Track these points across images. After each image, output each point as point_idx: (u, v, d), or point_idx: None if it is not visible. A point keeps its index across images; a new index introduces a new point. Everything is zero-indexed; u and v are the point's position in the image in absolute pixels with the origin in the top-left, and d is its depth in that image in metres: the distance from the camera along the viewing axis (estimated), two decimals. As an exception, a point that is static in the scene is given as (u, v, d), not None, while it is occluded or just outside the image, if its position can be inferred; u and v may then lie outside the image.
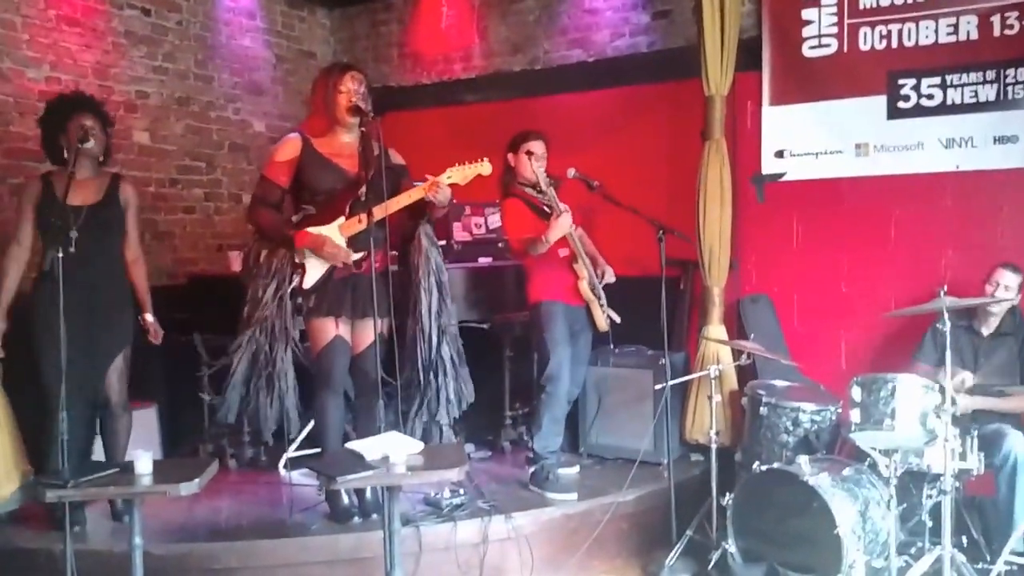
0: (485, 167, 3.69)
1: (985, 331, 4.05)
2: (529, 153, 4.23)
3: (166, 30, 5.58)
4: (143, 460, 2.96)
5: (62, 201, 3.51)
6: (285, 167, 3.73)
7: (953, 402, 3.46)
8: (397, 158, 3.91)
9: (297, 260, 3.71)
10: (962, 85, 4.65)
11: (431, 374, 3.84)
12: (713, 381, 4.04)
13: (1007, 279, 3.96)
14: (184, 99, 5.71)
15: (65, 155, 3.78)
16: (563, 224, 4.08)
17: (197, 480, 2.91)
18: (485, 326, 4.91)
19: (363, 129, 3.62)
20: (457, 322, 3.96)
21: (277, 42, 6.37)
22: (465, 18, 6.21)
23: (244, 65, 6.11)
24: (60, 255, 3.21)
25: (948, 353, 3.40)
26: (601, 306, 4.29)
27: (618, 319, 4.33)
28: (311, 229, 3.67)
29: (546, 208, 4.21)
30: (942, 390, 3.42)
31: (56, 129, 3.81)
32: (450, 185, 3.64)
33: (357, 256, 3.63)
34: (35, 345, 3.74)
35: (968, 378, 3.83)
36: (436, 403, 3.86)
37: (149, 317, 4.00)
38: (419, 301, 3.80)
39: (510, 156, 4.31)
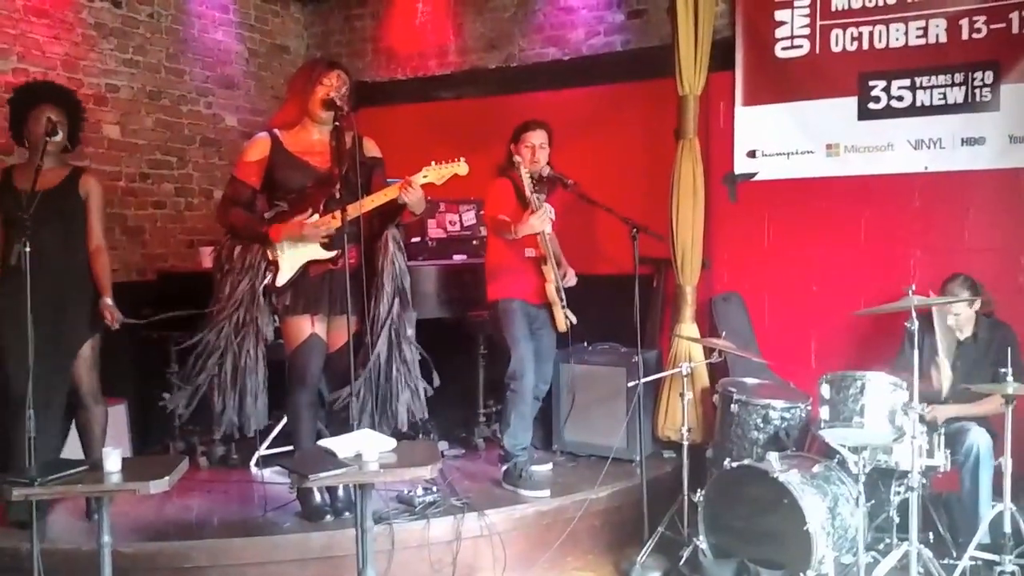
0: (461, 167, 3.65)
1: (960, 336, 4.10)
2: (529, 147, 4.27)
3: (137, 22, 5.50)
4: (112, 458, 2.93)
5: (19, 190, 3.50)
6: (255, 167, 3.71)
7: (923, 404, 3.51)
8: (373, 150, 3.88)
9: (270, 256, 3.68)
10: (931, 87, 4.72)
11: (379, 380, 3.77)
12: (685, 379, 4.07)
13: (955, 308, 3.99)
14: (155, 93, 5.64)
15: (26, 143, 3.77)
16: (533, 223, 4.08)
17: (167, 478, 2.88)
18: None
19: (337, 124, 3.60)
20: (415, 331, 3.88)
21: (250, 36, 6.31)
22: (440, 14, 6.20)
23: (216, 59, 6.05)
24: (27, 249, 3.16)
25: (916, 352, 3.44)
26: (562, 308, 4.30)
27: (575, 321, 4.33)
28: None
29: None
30: (911, 388, 3.46)
31: (20, 116, 3.78)
32: (426, 184, 3.62)
33: (331, 254, 3.60)
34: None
35: (946, 369, 3.88)
36: (383, 411, 3.79)
37: (108, 300, 3.85)
38: (378, 304, 3.76)
39: (512, 148, 4.32)
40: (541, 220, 4.09)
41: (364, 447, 2.97)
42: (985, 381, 3.86)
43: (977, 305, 4.04)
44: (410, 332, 3.84)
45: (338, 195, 3.55)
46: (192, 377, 3.70)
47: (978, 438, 3.79)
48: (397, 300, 3.78)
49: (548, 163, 4.31)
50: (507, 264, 4.30)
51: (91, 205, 3.90)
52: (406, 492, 3.93)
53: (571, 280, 4.38)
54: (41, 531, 3.65)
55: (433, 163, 3.63)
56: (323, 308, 3.72)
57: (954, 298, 3.97)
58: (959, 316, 4.03)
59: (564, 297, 4.31)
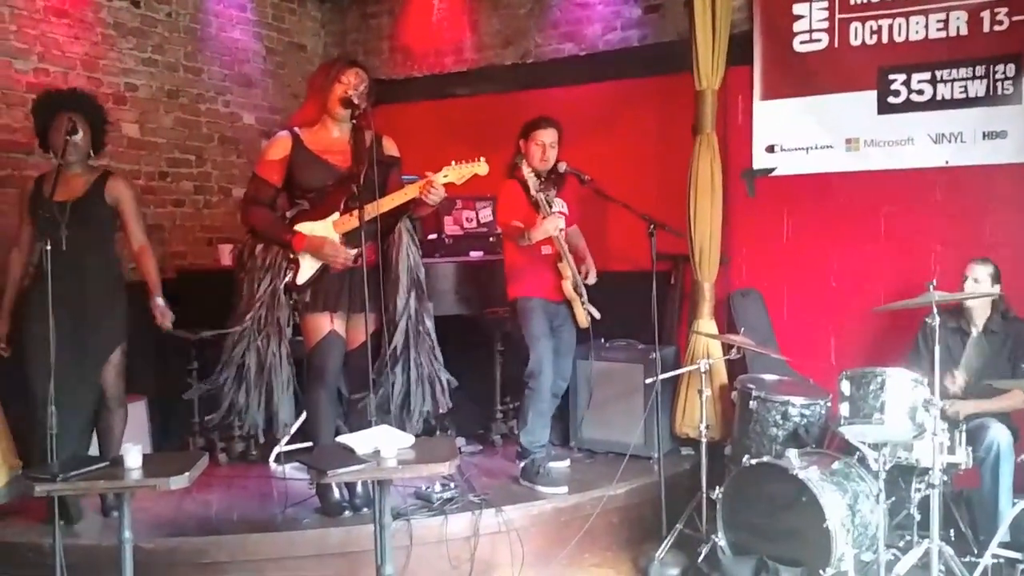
0: (482, 167, 3.64)
1: (973, 330, 4.06)
2: (539, 145, 4.25)
3: (155, 22, 5.54)
4: (132, 454, 2.94)
5: (48, 198, 3.56)
6: (277, 165, 3.71)
7: (946, 401, 3.47)
8: (391, 149, 3.88)
9: (291, 256, 3.69)
10: (952, 80, 4.67)
11: (397, 373, 3.75)
12: (703, 375, 4.05)
13: (976, 272, 3.98)
14: (174, 91, 5.67)
15: (51, 150, 3.81)
16: (547, 228, 4.09)
17: (187, 474, 2.89)
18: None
19: (355, 122, 3.61)
20: (433, 324, 3.85)
21: (267, 34, 6.34)
22: (456, 11, 6.20)
23: (234, 57, 6.08)
24: (48, 248, 3.19)
25: (937, 348, 3.41)
26: (583, 304, 4.30)
27: (598, 315, 4.33)
28: (305, 226, 3.66)
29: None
30: (931, 384, 3.43)
31: (44, 123, 3.82)
32: (445, 184, 3.62)
33: (355, 251, 3.61)
34: (25, 340, 3.73)
35: (960, 377, 3.85)
36: (402, 405, 3.77)
37: (159, 301, 3.91)
38: (394, 296, 3.74)
39: (521, 143, 4.31)
40: (554, 224, 4.09)
41: (382, 443, 2.97)
42: (1002, 376, 3.82)
43: (996, 289, 3.99)
44: (429, 324, 3.84)
45: (357, 194, 3.54)
46: (216, 376, 3.72)
47: (999, 434, 3.75)
48: (414, 292, 3.78)
49: (562, 160, 4.30)
50: (524, 263, 4.29)
51: (124, 209, 3.91)
52: (424, 488, 3.94)
53: (591, 278, 4.37)
54: (70, 526, 3.71)
55: (453, 163, 3.63)
56: (342, 306, 3.73)
57: (972, 294, 3.93)
58: (979, 284, 3.98)
59: (584, 293, 4.30)
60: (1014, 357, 3.91)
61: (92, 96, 4.06)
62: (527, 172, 4.17)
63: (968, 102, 4.63)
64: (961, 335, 4.09)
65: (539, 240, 4.14)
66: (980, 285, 3.96)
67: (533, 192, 4.17)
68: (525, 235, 4.11)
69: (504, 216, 4.34)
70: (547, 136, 4.28)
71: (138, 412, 4.66)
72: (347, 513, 3.81)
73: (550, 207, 4.20)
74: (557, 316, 4.37)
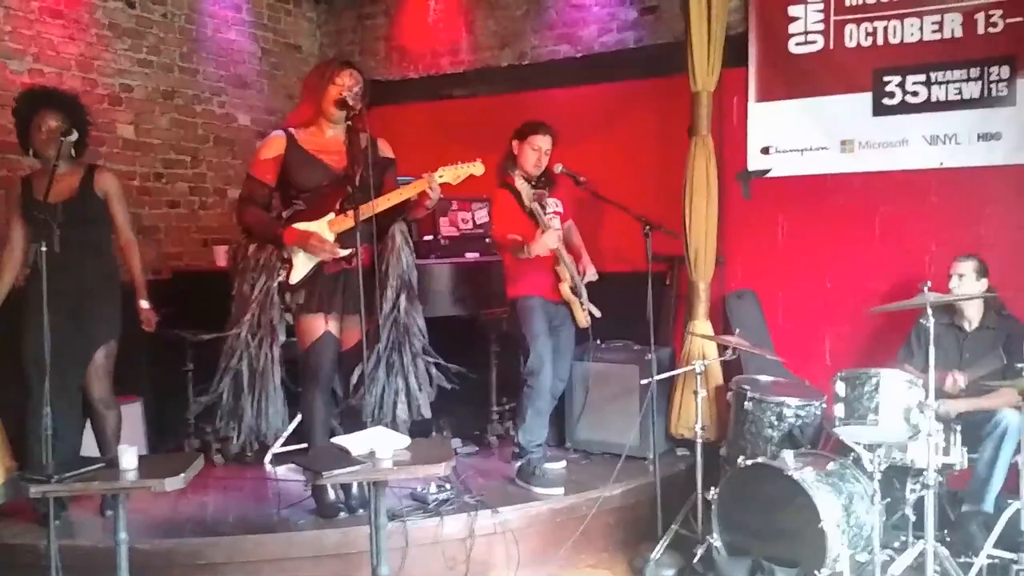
0: (478, 167, 3.66)
1: (968, 327, 4.08)
2: (535, 150, 4.25)
3: (151, 22, 5.53)
4: (128, 455, 2.94)
5: (41, 200, 3.55)
6: (271, 165, 3.71)
7: (938, 402, 3.48)
8: (386, 151, 3.89)
9: (285, 255, 3.69)
10: (946, 82, 4.69)
11: (381, 375, 3.74)
12: (699, 376, 4.06)
13: (960, 268, 4.02)
14: (169, 92, 5.66)
15: (31, 151, 3.81)
16: (547, 243, 4.09)
17: (182, 475, 2.89)
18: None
19: (350, 123, 3.61)
20: (425, 325, 3.85)
21: (263, 35, 6.33)
22: (452, 12, 6.20)
23: (229, 58, 6.07)
24: (44, 249, 3.18)
25: (932, 349, 3.42)
26: (581, 304, 4.30)
27: (598, 314, 4.33)
28: (299, 225, 3.65)
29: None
30: (926, 386, 3.44)
31: (23, 123, 3.82)
32: (441, 184, 3.62)
33: (345, 253, 3.61)
34: (23, 340, 3.73)
35: (961, 379, 3.85)
36: (388, 407, 3.75)
37: (144, 304, 3.94)
38: (382, 299, 3.74)
39: (515, 143, 4.31)
40: (554, 239, 4.10)
41: (378, 445, 2.97)
42: (995, 371, 3.83)
43: (983, 286, 4.00)
44: (421, 325, 3.83)
45: (352, 195, 3.54)
46: (216, 385, 3.70)
47: (1008, 414, 3.75)
48: (404, 295, 3.78)
49: (558, 162, 4.31)
50: (523, 266, 4.28)
51: (112, 202, 3.92)
52: (420, 489, 3.94)
53: (591, 275, 4.37)
54: (66, 527, 3.70)
55: (449, 163, 3.64)
56: (336, 306, 3.72)
57: (966, 295, 3.94)
58: (963, 278, 4.00)
59: (583, 293, 4.31)
60: (1007, 353, 3.92)
61: (74, 96, 4.04)
62: (520, 182, 4.16)
63: (962, 104, 4.65)
64: (955, 332, 4.10)
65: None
66: (964, 280, 3.99)
67: (527, 203, 4.16)
68: (525, 249, 4.10)
69: (501, 229, 4.32)
70: (544, 143, 4.28)
71: (133, 413, 4.65)
72: (343, 514, 3.81)
73: (544, 211, 4.21)
74: (556, 316, 4.37)
